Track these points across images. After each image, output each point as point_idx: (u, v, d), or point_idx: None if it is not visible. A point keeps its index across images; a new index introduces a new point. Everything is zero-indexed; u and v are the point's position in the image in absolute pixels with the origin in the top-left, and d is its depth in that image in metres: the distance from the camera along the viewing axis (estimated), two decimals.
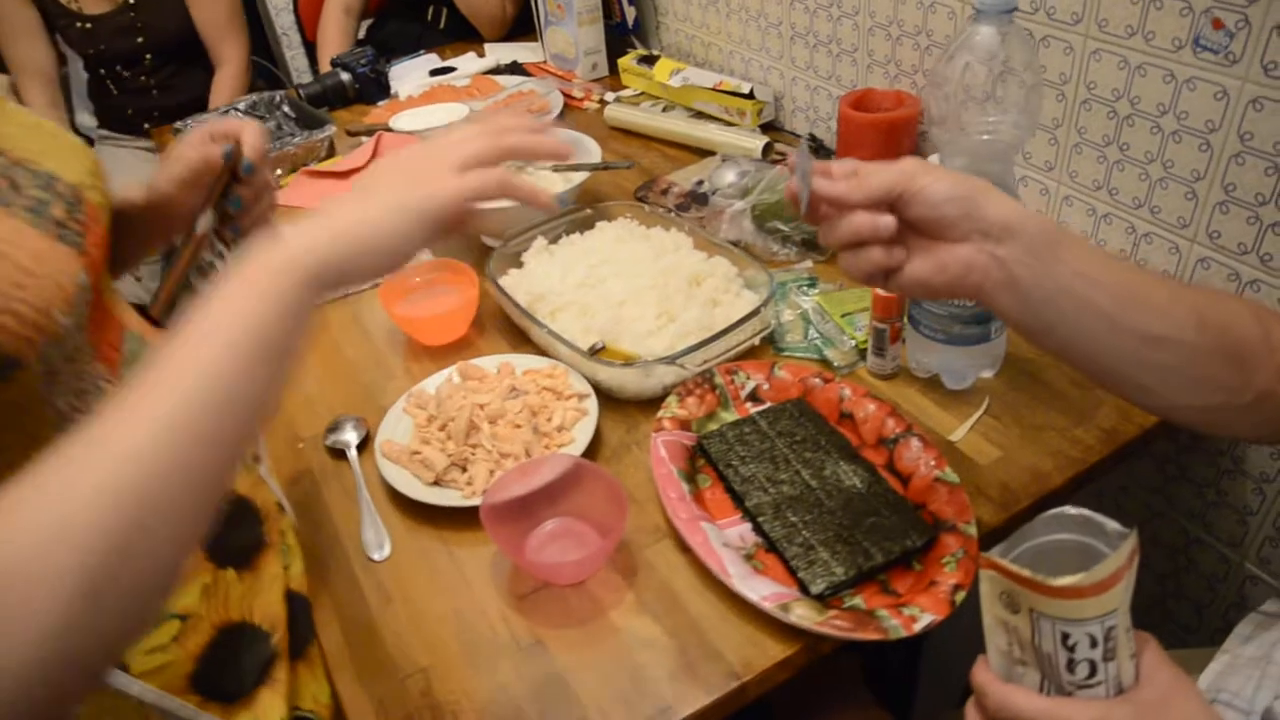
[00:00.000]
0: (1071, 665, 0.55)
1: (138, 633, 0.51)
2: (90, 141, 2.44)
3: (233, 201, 0.79)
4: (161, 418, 0.47)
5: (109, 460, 0.45)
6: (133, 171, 2.31)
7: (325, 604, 0.86)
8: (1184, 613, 1.18)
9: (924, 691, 1.39)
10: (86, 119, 2.48)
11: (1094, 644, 0.54)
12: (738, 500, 0.87)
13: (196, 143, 0.81)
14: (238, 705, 0.76)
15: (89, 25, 2.18)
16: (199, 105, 2.31)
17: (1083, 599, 0.52)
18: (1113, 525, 0.57)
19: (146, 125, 2.33)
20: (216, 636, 0.74)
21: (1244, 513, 1.05)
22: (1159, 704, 0.55)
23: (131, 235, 0.79)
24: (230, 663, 0.75)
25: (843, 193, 0.62)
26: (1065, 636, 0.54)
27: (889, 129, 1.23)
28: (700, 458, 0.93)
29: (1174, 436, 1.08)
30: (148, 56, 2.26)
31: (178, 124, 1.80)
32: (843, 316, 1.06)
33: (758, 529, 0.85)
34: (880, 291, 0.95)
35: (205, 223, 0.79)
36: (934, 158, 1.16)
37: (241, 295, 0.52)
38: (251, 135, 0.81)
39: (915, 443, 0.88)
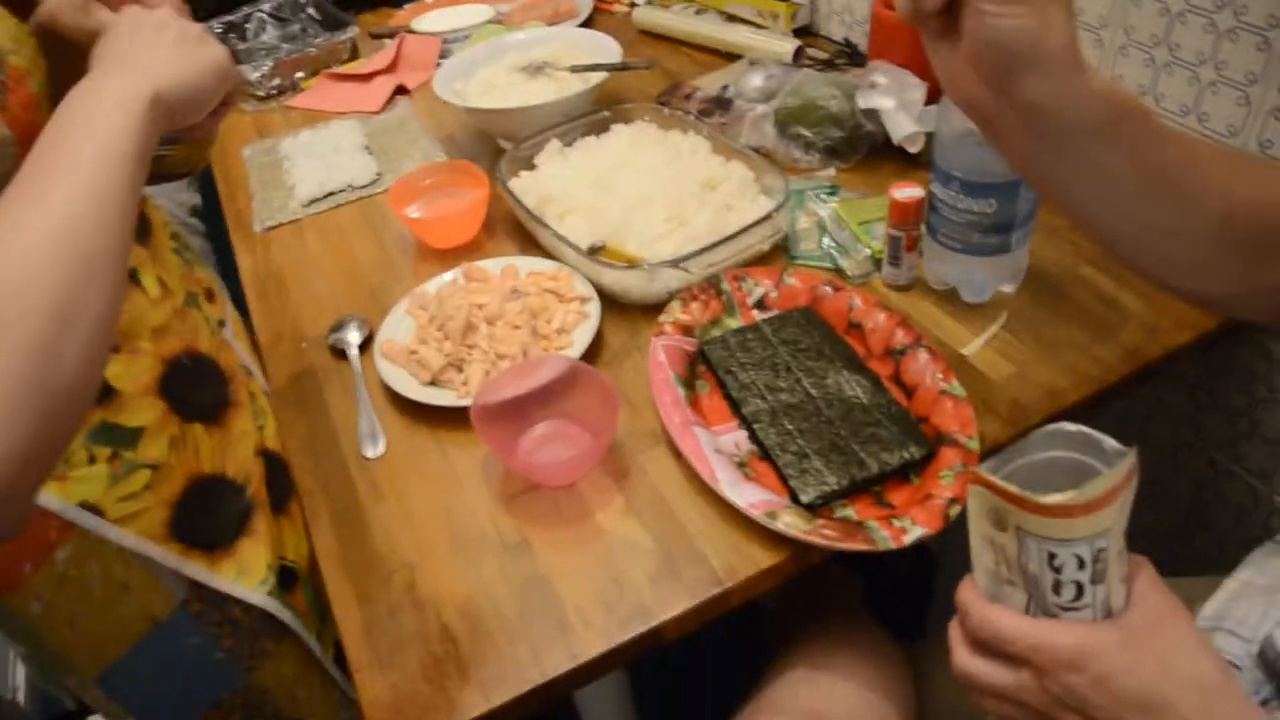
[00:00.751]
0: (1058, 587, 0.52)
1: (93, 383, 0.55)
2: None
3: None
4: (68, 189, 0.55)
5: (42, 215, 0.53)
6: None
7: (319, 499, 0.85)
8: (1207, 545, 1.14)
9: (937, 615, 1.37)
10: None
11: (1081, 565, 0.51)
12: (735, 407, 0.85)
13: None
14: (220, 554, 0.79)
15: None
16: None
17: (1071, 519, 0.49)
18: (1111, 443, 0.53)
19: None
20: (189, 486, 0.76)
21: (1276, 444, 1.00)
22: (1147, 629, 0.52)
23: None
24: (206, 513, 0.77)
25: None
26: (1051, 556, 0.51)
27: None
28: (701, 364, 0.90)
29: (1205, 360, 1.03)
30: None
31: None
32: (860, 224, 1.01)
33: (753, 436, 0.82)
34: (897, 196, 0.90)
35: None
36: None
37: (111, 120, 0.59)
38: None
39: (923, 355, 0.85)
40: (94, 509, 0.70)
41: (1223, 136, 0.93)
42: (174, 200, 2.12)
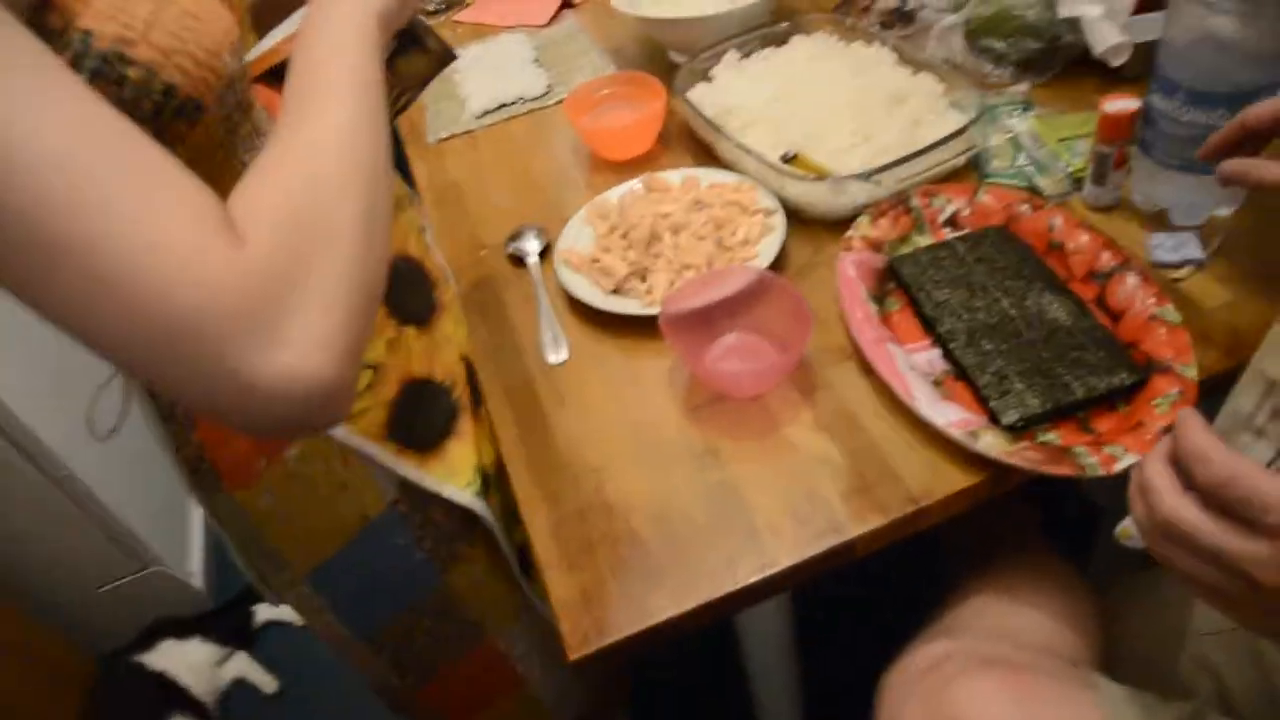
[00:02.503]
0: None
1: (386, 273, 0.58)
2: None
3: None
4: (343, 110, 0.58)
5: (331, 136, 0.56)
6: None
7: (503, 404, 0.87)
8: None
9: (1097, 558, 1.32)
10: None
11: None
12: (928, 325, 0.83)
13: None
14: (430, 455, 0.82)
15: None
16: None
17: None
18: None
19: None
20: (403, 389, 0.79)
21: None
22: None
23: None
24: (419, 414, 0.81)
25: None
26: None
27: None
28: (890, 280, 0.88)
29: None
30: None
31: None
32: (1060, 141, 0.96)
33: (948, 356, 0.80)
34: (1109, 109, 0.85)
35: None
36: None
37: (354, 37, 0.62)
38: None
39: (1132, 278, 0.80)
40: None
41: None
42: None
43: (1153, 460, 0.51)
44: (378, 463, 0.79)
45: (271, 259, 0.48)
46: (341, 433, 0.75)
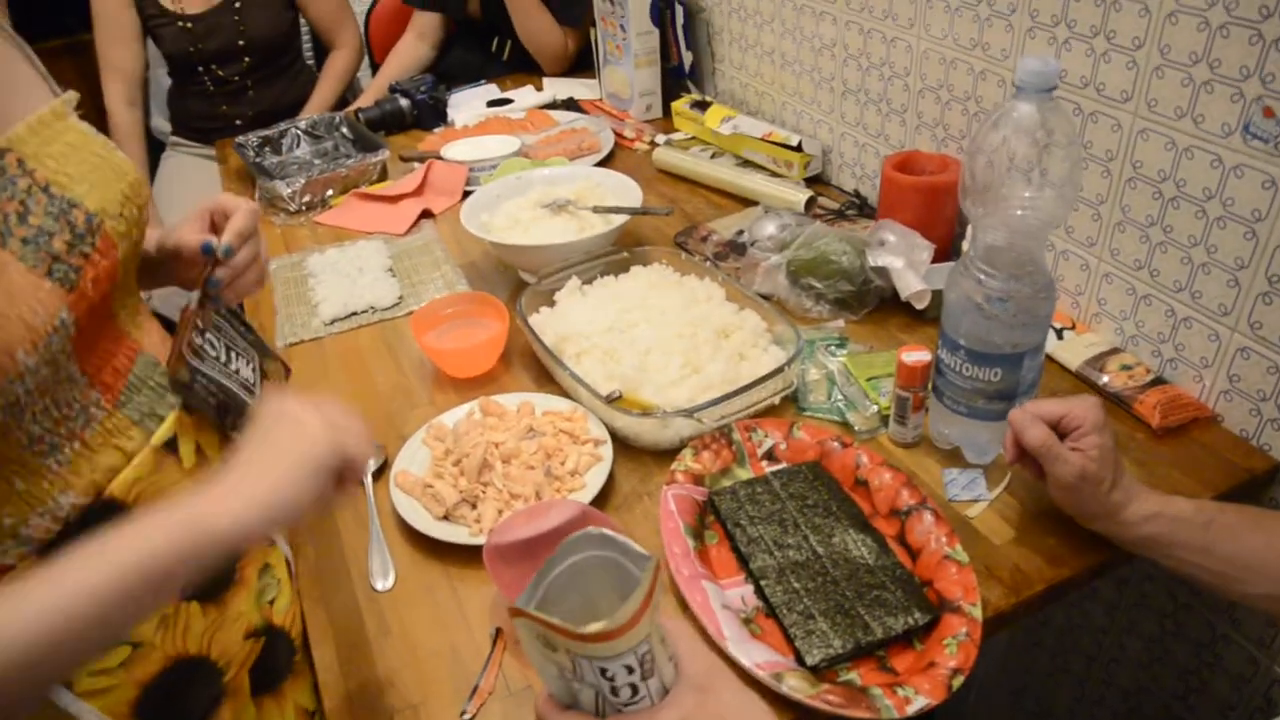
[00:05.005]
0: (615, 690, 0.56)
1: None
2: (162, 146, 2.51)
3: (212, 284, 0.82)
4: (44, 622, 0.53)
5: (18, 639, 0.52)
6: (195, 177, 2.37)
7: (324, 630, 0.86)
8: (1207, 712, 1.14)
9: None
10: (161, 123, 2.55)
11: (631, 671, 0.55)
12: (743, 561, 0.87)
13: (191, 226, 0.85)
14: None
15: (189, 25, 2.21)
16: (292, 109, 2.35)
17: (612, 640, 0.52)
18: (635, 548, 0.57)
19: (213, 133, 2.33)
20: (169, 667, 0.73)
21: None
22: (700, 694, 0.57)
23: (146, 271, 0.83)
24: (177, 695, 0.75)
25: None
26: (603, 670, 0.54)
27: (930, 192, 1.22)
28: (710, 514, 0.92)
29: None
30: (246, 58, 2.29)
31: (239, 138, 1.84)
32: (868, 380, 1.05)
33: (759, 592, 0.84)
34: (906, 359, 0.93)
35: (192, 302, 0.82)
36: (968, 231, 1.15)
37: (148, 537, 0.58)
38: (239, 218, 0.83)
39: (928, 516, 0.87)
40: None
41: (1215, 315, 0.97)
42: (177, 307, 2.15)
43: None
44: None
45: None
46: (79, 708, 0.68)
